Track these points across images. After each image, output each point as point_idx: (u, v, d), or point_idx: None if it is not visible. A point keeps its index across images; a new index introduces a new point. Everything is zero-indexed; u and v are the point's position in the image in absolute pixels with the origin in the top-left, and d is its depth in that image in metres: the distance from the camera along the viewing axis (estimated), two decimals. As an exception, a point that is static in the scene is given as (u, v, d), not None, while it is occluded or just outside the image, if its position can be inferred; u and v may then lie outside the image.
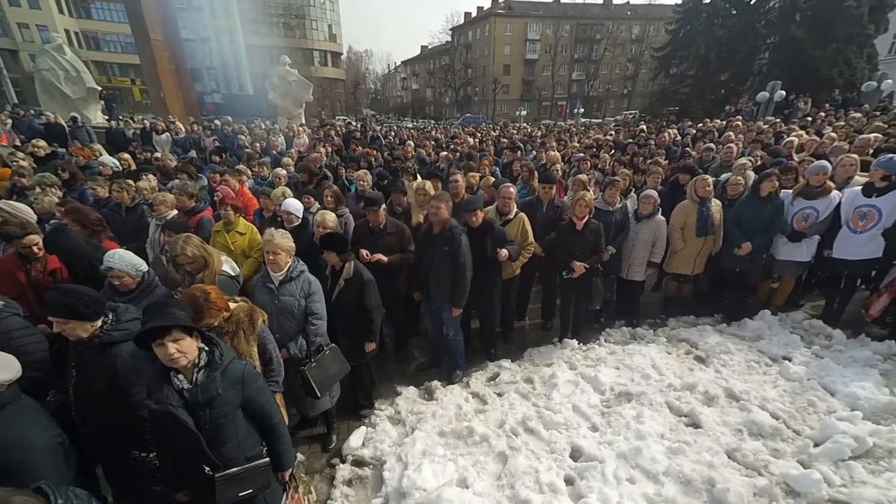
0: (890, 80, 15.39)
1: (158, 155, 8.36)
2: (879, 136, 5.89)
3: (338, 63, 51.27)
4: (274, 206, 4.35)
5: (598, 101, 54.79)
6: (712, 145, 6.89)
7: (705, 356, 4.09)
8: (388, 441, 3.30)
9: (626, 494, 2.62)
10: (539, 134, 14.81)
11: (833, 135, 6.47)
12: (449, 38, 60.80)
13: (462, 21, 58.64)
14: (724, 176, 4.90)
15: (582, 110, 39.09)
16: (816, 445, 2.92)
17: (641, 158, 6.74)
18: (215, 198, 4.35)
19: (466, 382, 4.01)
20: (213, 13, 41.01)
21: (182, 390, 1.77)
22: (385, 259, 3.81)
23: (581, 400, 3.55)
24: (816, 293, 5.01)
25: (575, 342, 4.38)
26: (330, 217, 3.75)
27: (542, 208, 4.48)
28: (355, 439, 3.34)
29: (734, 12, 26.75)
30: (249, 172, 6.39)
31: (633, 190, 5.01)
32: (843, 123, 8.92)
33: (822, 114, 12.02)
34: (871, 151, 5.18)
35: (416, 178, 5.58)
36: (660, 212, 4.41)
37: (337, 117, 35.70)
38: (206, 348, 1.84)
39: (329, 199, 4.51)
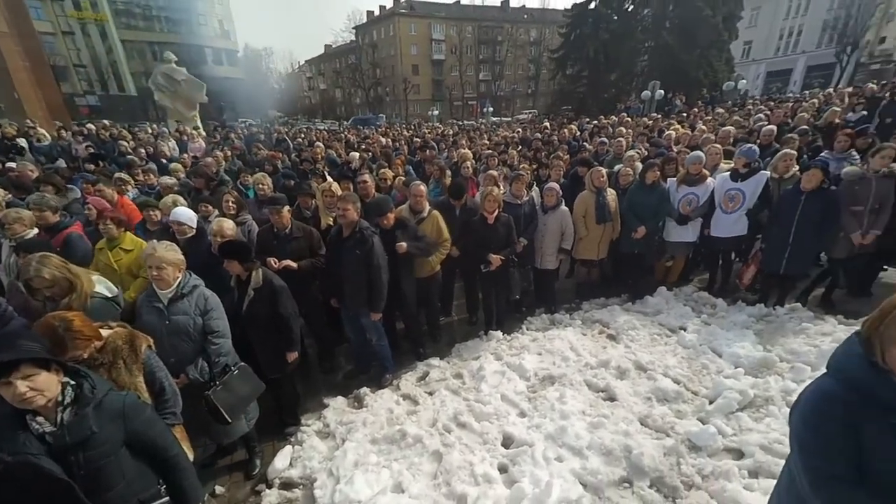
0: (744, 80, 18.18)
1: (13, 165, 7.04)
2: (733, 129, 6.82)
3: (234, 61, 47.58)
4: (164, 217, 3.86)
5: (506, 100, 57.32)
6: (605, 139, 7.48)
7: (616, 334, 4.40)
8: (317, 457, 3.11)
9: (555, 473, 2.72)
10: (451, 133, 15.07)
11: (703, 128, 7.39)
12: (353, 37, 59.46)
13: (365, 20, 57.61)
14: (616, 167, 5.32)
15: (491, 109, 40.60)
16: (711, 403, 3.29)
17: (544, 153, 7.11)
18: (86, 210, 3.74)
19: (396, 385, 3.93)
20: (74, 3, 35.76)
21: (43, 434, 1.46)
22: (294, 265, 3.59)
23: (508, 388, 3.64)
24: (702, 268, 5.64)
25: (500, 333, 4.49)
26: (227, 224, 3.42)
27: (455, 212, 4.51)
28: (281, 460, 3.11)
29: (615, 18, 29.52)
30: (133, 181, 5.64)
31: (537, 183, 5.25)
32: (710, 118, 10.25)
33: (695, 110, 13.76)
34: (731, 141, 5.99)
35: (325, 180, 5.34)
36: (563, 203, 4.65)
37: (239, 120, 33.10)
38: (73, 382, 1.53)
39: (230, 204, 4.13)
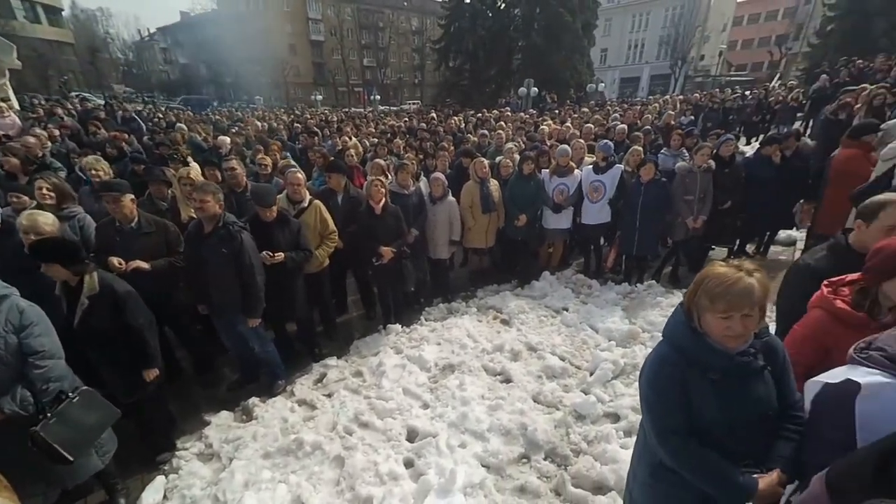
0: (603, 84, 20.75)
1: None
2: (594, 126, 7.69)
3: (58, 21, 38.81)
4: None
5: (393, 88, 56.80)
6: (486, 132, 7.83)
7: (508, 318, 4.65)
8: (198, 484, 2.77)
9: (459, 460, 2.81)
10: (336, 119, 14.44)
11: (569, 125, 8.21)
12: (214, 6, 52.78)
13: (225, -14, 51.56)
14: (497, 159, 5.61)
15: (378, 97, 39.93)
16: (591, 374, 3.67)
17: (430, 144, 7.23)
18: None
19: (290, 391, 3.68)
20: None
21: None
22: (146, 266, 3.09)
23: (410, 381, 3.64)
24: (577, 253, 6.22)
25: (398, 326, 4.46)
26: (43, 219, 2.80)
27: (338, 198, 4.33)
28: (152, 494, 2.71)
29: (490, 15, 31.03)
30: None
31: (424, 174, 5.32)
32: (577, 115, 11.45)
33: (566, 107, 15.26)
34: (592, 137, 6.72)
35: (186, 166, 4.70)
36: (450, 193, 4.75)
37: (73, 93, 27.23)
38: None
39: (44, 192, 3.36)
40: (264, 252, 3.31)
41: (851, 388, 1.16)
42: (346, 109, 29.80)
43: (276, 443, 3.04)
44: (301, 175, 3.93)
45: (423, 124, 10.44)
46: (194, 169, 4.03)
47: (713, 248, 5.63)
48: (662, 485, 1.49)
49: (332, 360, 4.05)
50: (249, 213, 3.55)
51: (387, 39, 54.55)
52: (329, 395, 3.60)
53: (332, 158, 5.25)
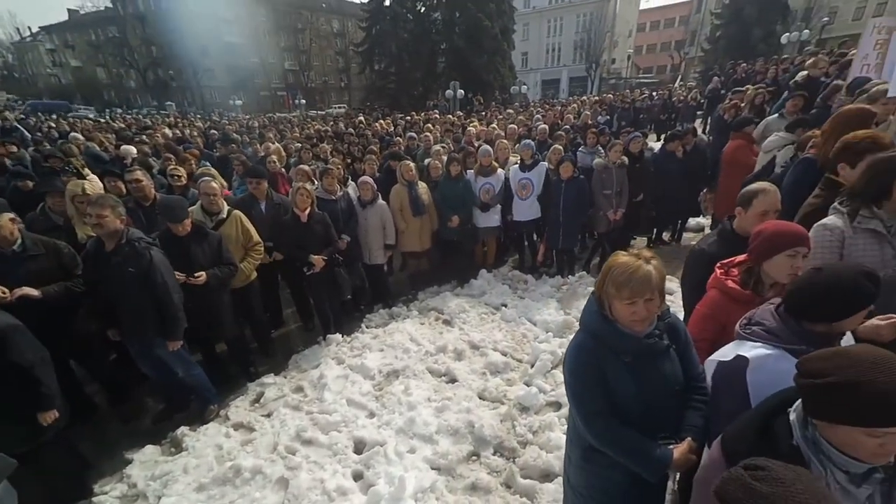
0: (526, 86, 21.67)
1: None
2: (517, 127, 7.96)
3: None
4: None
5: (319, 92, 55.04)
6: (414, 134, 7.85)
7: (450, 318, 4.68)
8: (123, 531, 2.51)
9: (409, 465, 2.79)
10: (257, 125, 13.74)
11: (494, 125, 8.48)
12: (109, 4, 47.82)
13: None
14: (426, 161, 5.65)
15: (304, 102, 38.53)
16: (532, 366, 3.80)
17: (358, 148, 7.12)
18: None
19: (225, 415, 3.46)
20: None
21: None
22: (35, 293, 2.75)
23: (354, 391, 3.56)
24: (512, 250, 6.39)
25: (339, 336, 4.35)
26: None
27: (260, 206, 4.14)
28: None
29: (410, 18, 31.12)
30: None
31: (352, 178, 5.25)
32: (502, 117, 11.85)
33: (492, 109, 15.71)
34: (516, 137, 6.98)
35: (83, 179, 4.24)
36: (379, 197, 4.71)
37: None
38: None
39: None
40: (182, 275, 3.09)
41: (741, 363, 1.32)
42: (271, 115, 28.45)
43: (211, 472, 2.84)
44: (216, 184, 3.70)
45: (351, 129, 10.26)
46: (91, 182, 3.63)
47: (634, 238, 6.10)
48: (594, 466, 1.59)
49: (269, 378, 3.86)
50: (160, 228, 3.28)
51: (307, 42, 52.71)
52: (268, 415, 3.43)
53: (252, 165, 5.00)
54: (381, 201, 4.69)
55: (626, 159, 4.95)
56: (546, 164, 5.13)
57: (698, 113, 13.23)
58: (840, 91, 4.74)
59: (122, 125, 13.13)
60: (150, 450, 3.12)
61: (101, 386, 3.62)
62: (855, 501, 0.93)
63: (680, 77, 34.51)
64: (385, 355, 4.07)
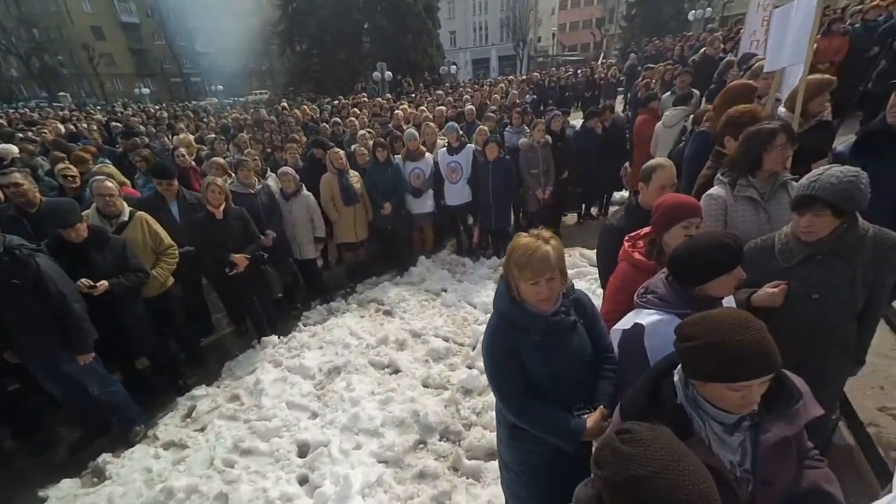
0: (455, 66, 21.47)
1: None
2: (445, 108, 7.90)
3: None
4: None
5: (240, 78, 51.15)
6: (339, 120, 7.53)
7: (390, 309, 4.63)
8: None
9: (356, 462, 2.78)
10: (166, 116, 12.59)
11: (424, 108, 8.38)
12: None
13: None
14: (352, 147, 5.47)
15: (221, 88, 35.72)
16: (473, 349, 3.85)
17: (281, 136, 6.75)
18: None
19: (153, 435, 3.25)
20: None
21: None
22: None
23: (294, 393, 3.46)
24: (450, 234, 6.29)
25: (275, 337, 4.18)
26: None
27: (172, 208, 3.85)
28: None
29: (328, -6, 29.24)
30: None
31: (272, 169, 4.99)
32: (431, 98, 11.71)
33: (421, 90, 15.48)
34: (444, 119, 6.89)
35: None
36: (303, 188, 4.50)
37: None
38: None
39: None
40: (80, 281, 2.80)
41: (638, 330, 1.42)
42: (185, 103, 26.09)
43: (141, 499, 2.68)
44: (112, 184, 3.34)
45: (273, 116, 9.69)
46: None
47: (565, 214, 6.34)
48: (520, 442, 1.66)
49: (200, 390, 3.65)
50: (51, 235, 2.94)
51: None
52: (202, 430, 3.26)
53: (157, 161, 4.57)
54: (305, 192, 4.49)
55: (549, 138, 5.08)
56: (473, 145, 5.15)
57: (619, 89, 13.90)
58: (733, 67, 5.17)
59: (1, 121, 11.39)
60: (67, 484, 2.85)
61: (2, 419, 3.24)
62: (730, 448, 1.03)
63: (603, 54, 35.94)
64: (325, 353, 3.98)
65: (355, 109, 9.16)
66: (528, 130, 5.30)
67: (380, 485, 2.63)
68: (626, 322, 1.51)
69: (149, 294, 3.37)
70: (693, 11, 22.20)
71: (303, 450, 2.98)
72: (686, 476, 0.75)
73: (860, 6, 8.81)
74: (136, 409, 3.29)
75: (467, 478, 2.70)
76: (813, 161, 2.12)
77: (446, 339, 4.07)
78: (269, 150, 5.96)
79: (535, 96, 12.12)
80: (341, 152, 4.80)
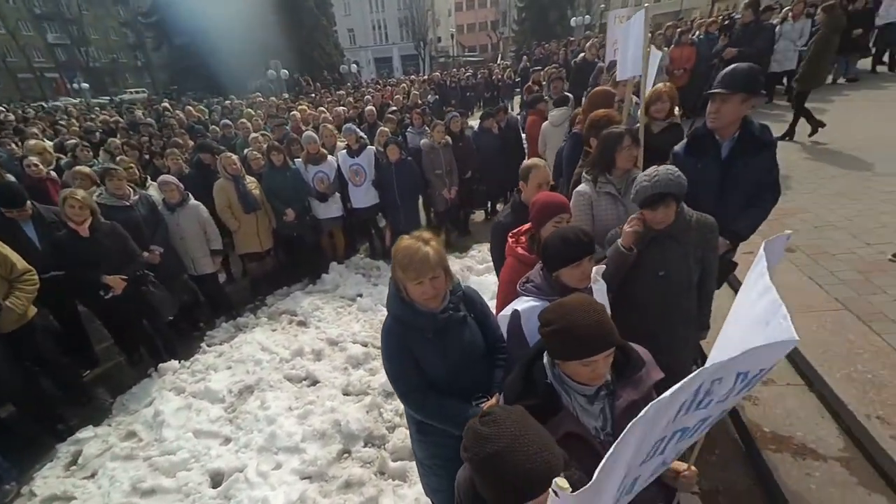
0: (356, 65, 21.04)
1: None
2: (343, 109, 7.76)
3: None
4: None
5: (109, 73, 44.81)
6: (229, 121, 7.09)
7: (304, 319, 4.49)
8: None
9: (276, 483, 2.68)
10: (13, 118, 10.74)
11: (324, 108, 8.18)
12: None
13: None
14: (245, 151, 5.18)
15: (86, 86, 31.03)
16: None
17: (161, 141, 6.15)
18: None
19: (30, 491, 2.86)
20: None
21: None
22: None
23: (201, 420, 3.25)
24: (362, 237, 6.21)
25: (175, 362, 3.87)
26: None
27: (26, 230, 3.39)
28: None
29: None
30: None
31: (153, 177, 4.58)
32: (331, 99, 11.43)
33: (322, 90, 14.97)
34: (343, 120, 6.71)
35: None
36: (190, 197, 4.18)
37: None
38: None
39: None
40: None
41: (516, 315, 1.59)
42: (41, 103, 22.28)
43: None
44: None
45: (153, 119, 8.75)
46: None
47: (473, 212, 6.59)
48: (429, 437, 1.74)
49: (86, 431, 3.25)
50: None
51: (75, 9, 41.96)
52: (91, 476, 2.94)
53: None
54: (193, 202, 4.16)
55: (449, 139, 5.27)
56: (374, 147, 5.14)
57: (516, 90, 14.76)
58: (604, 73, 5.82)
59: None
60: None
61: None
62: (593, 415, 1.19)
63: (500, 56, 37.72)
64: (234, 373, 3.77)
65: (248, 110, 8.62)
66: (429, 131, 5.43)
67: (303, 502, 2.57)
68: (508, 309, 1.67)
69: (4, 328, 2.91)
70: (574, 18, 24.30)
71: (216, 479, 2.81)
72: (530, 447, 0.84)
73: (702, 20, 10.43)
74: (6, 466, 2.88)
75: (394, 480, 2.72)
76: (666, 158, 2.49)
77: (365, 345, 4.03)
78: (147, 157, 5.38)
79: (437, 97, 12.41)
80: (234, 157, 4.53)
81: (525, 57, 15.16)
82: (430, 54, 43.18)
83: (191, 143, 5.93)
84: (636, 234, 1.81)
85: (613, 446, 0.72)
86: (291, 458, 2.88)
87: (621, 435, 0.73)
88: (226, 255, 5.09)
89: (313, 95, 13.97)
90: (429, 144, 5.21)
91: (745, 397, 2.50)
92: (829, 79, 8.29)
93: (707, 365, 0.82)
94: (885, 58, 9.24)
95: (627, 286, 1.90)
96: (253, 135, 5.47)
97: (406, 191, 5.01)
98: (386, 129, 5.24)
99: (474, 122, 6.78)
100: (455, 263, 5.19)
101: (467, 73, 17.00)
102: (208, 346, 4.20)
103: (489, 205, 6.75)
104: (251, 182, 4.59)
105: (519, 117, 6.67)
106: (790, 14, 7.70)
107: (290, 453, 2.91)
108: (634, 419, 0.73)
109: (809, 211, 4.21)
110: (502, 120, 6.02)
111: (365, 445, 2.98)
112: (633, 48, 2.79)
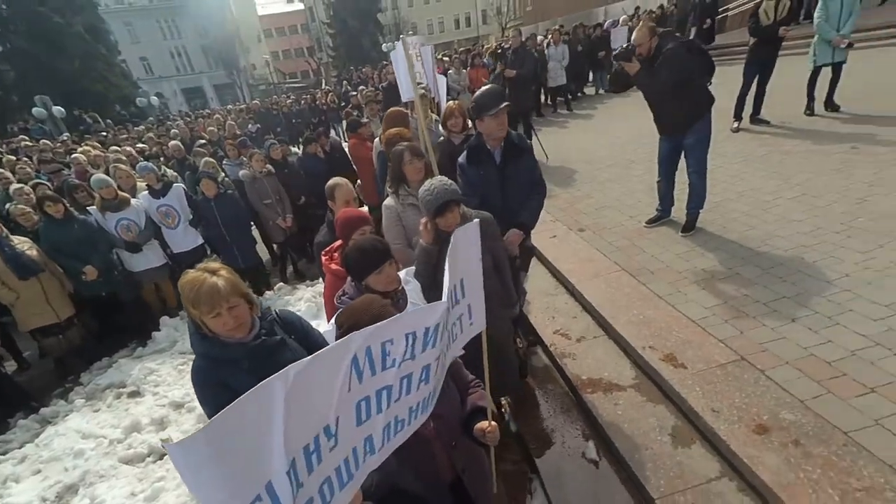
0: (158, 97, 18.45)
1: None
2: (132, 149, 7.10)
3: None
4: None
5: None
6: None
7: (137, 388, 3.94)
8: None
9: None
10: None
11: (116, 148, 7.23)
12: None
13: None
14: (7, 205, 4.44)
15: None
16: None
17: None
18: None
19: None
20: None
21: None
22: None
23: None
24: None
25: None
26: None
27: None
28: None
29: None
30: None
31: None
32: (128, 136, 9.99)
33: (116, 128, 12.85)
34: (144, 158, 6.14)
35: None
36: None
37: None
38: None
39: None
40: None
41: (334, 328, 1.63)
42: None
43: None
44: None
45: None
46: None
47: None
48: None
49: None
50: None
51: None
52: None
53: None
54: None
55: (271, 168, 5.18)
56: (181, 185, 4.79)
57: (342, 114, 14.95)
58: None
59: None
60: None
61: None
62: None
63: (324, 81, 37.54)
64: (46, 475, 3.14)
65: (11, 157, 7.06)
66: (248, 161, 5.29)
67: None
68: (329, 324, 1.73)
69: None
70: (385, 44, 25.76)
71: None
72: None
73: (487, 46, 12.27)
74: None
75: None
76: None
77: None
78: None
79: (258, 126, 11.88)
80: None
81: (345, 81, 15.49)
82: (248, 82, 40.62)
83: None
84: (431, 232, 2.02)
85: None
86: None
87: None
88: (8, 337, 4.15)
89: (104, 134, 11.90)
90: (249, 175, 5.05)
91: (566, 355, 3.03)
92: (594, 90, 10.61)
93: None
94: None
95: (440, 277, 2.23)
96: (15, 186, 4.60)
97: (232, 225, 4.79)
98: (209, 159, 4.89)
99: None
100: (307, 291, 5.16)
101: (289, 100, 16.60)
102: (2, 454, 3.41)
103: (333, 231, 6.79)
104: (22, 242, 3.89)
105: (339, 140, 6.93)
106: (551, 40, 9.59)
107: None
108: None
109: (592, 196, 5.27)
110: (325, 144, 6.19)
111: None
112: (403, 77, 3.24)
